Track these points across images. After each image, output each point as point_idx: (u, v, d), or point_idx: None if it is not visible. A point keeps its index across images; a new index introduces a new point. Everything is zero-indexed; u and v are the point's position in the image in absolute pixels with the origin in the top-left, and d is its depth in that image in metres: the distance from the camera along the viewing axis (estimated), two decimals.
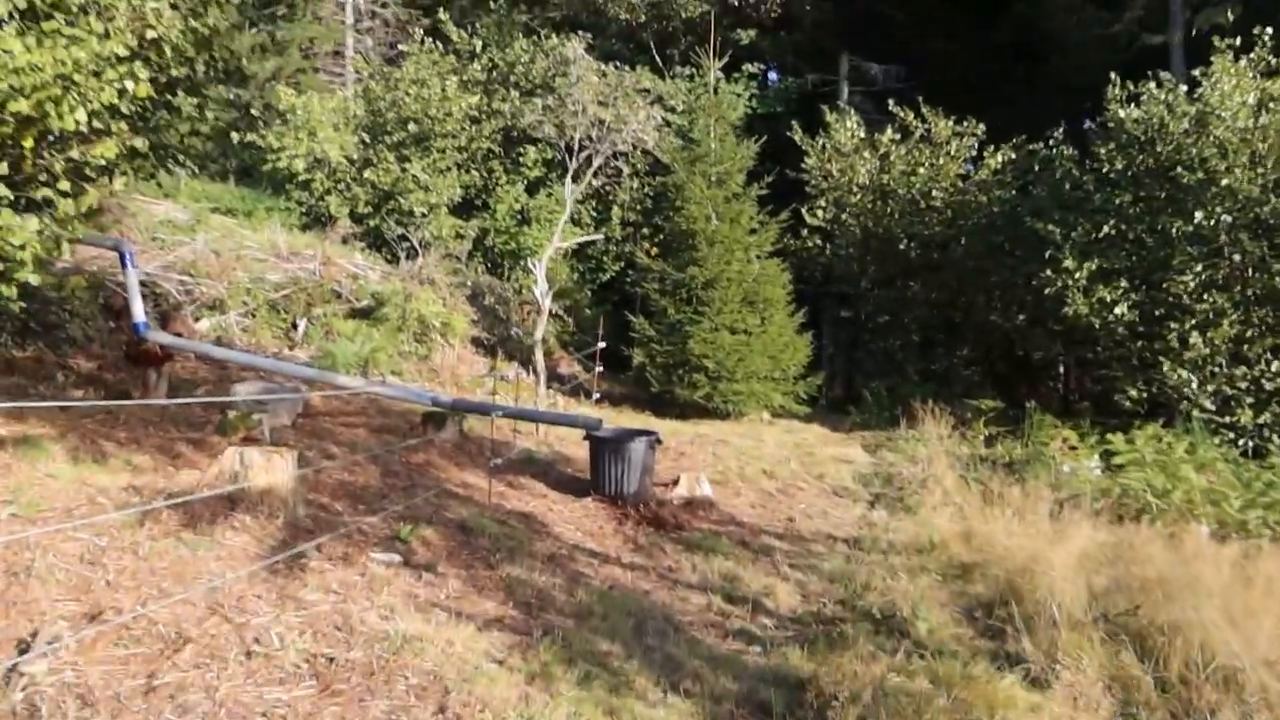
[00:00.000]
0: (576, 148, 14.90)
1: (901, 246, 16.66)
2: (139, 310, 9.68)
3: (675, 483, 8.95)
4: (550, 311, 18.83)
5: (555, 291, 19.51)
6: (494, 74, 21.55)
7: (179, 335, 12.88)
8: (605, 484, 8.28)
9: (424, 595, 5.05)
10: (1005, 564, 6.93)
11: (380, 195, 20.87)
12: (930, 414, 13.24)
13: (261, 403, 8.90)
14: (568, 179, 11.80)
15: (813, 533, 8.37)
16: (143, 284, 13.77)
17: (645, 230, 20.67)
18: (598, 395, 12.11)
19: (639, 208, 20.79)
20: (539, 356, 10.67)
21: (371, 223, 20.21)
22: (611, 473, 8.22)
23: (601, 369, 13.52)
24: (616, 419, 13.36)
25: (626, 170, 19.20)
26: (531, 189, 21.13)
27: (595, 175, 16.54)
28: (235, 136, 18.39)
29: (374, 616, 4.50)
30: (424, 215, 20.32)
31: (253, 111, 21.75)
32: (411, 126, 20.49)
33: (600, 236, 18.97)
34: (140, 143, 7.67)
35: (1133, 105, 12.59)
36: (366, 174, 20.56)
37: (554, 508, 7.94)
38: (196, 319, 13.74)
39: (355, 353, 13.49)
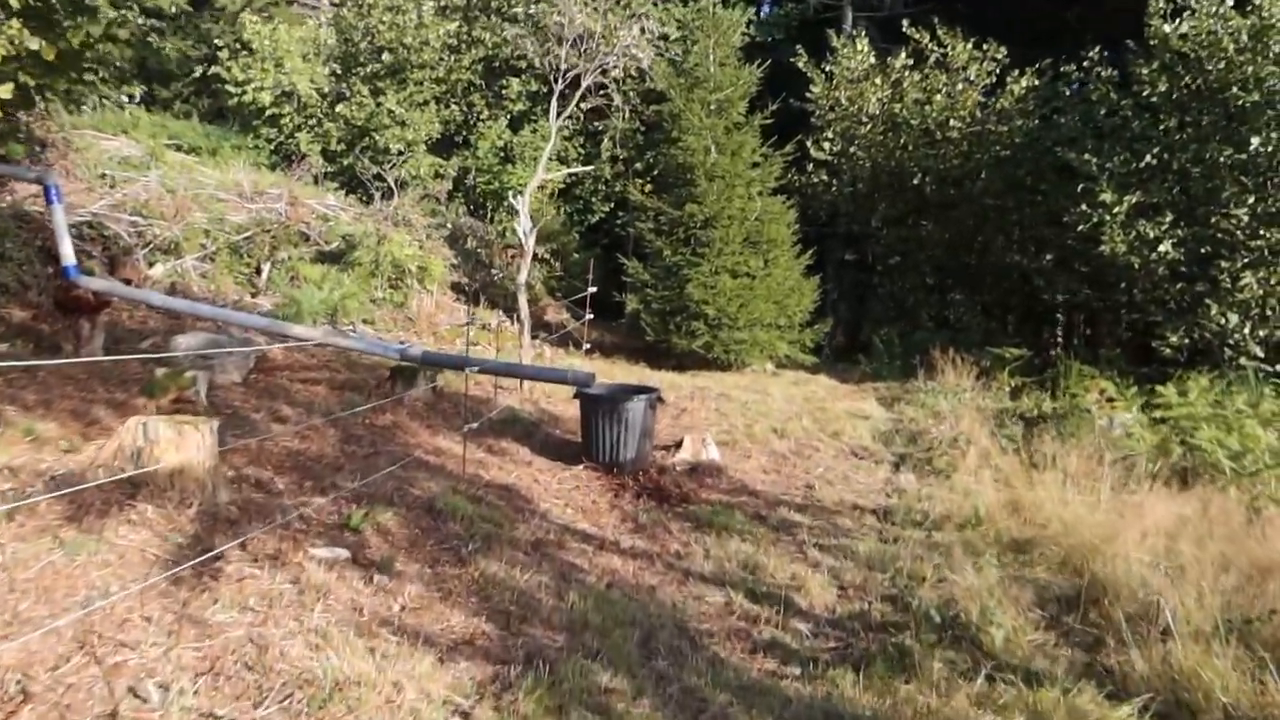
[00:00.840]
0: (562, 67, 13.57)
1: (915, 182, 15.42)
2: (68, 252, 8.48)
3: (678, 446, 7.88)
4: (536, 255, 17.76)
5: (541, 234, 18.36)
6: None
7: (128, 282, 11.69)
8: (599, 449, 7.20)
9: (372, 608, 3.97)
10: (1067, 542, 5.91)
11: (354, 132, 19.48)
12: (950, 363, 12.19)
13: (206, 357, 7.78)
14: (552, 105, 10.56)
15: (836, 502, 7.33)
16: (90, 226, 12.56)
17: (638, 166, 19.38)
18: (588, 345, 10.99)
19: (631, 143, 19.47)
20: (523, 303, 9.54)
21: (345, 161, 18.89)
22: (606, 436, 7.14)
23: (591, 317, 12.40)
24: (609, 372, 12.26)
25: (618, 99, 17.84)
26: (515, 124, 19.78)
27: (583, 101, 15.19)
28: (159, 43, 16.93)
29: (300, 646, 3.42)
30: (401, 153, 19.00)
31: (217, 41, 20.22)
32: (386, 56, 19.07)
33: (589, 170, 17.68)
34: (38, 44, 6.43)
35: (1178, 20, 11.32)
36: (339, 109, 19.16)
37: (540, 478, 6.86)
38: (150, 264, 12.53)
39: (323, 300, 12.33)
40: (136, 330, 9.49)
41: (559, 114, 10.16)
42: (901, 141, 15.78)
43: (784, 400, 11.21)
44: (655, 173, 16.60)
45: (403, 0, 18.97)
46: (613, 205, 19.98)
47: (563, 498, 6.50)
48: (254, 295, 12.74)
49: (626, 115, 18.66)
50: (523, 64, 19.36)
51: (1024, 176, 14.31)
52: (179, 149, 17.81)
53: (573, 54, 13.86)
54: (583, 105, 15.78)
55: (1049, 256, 13.62)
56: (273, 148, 19.26)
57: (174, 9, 19.94)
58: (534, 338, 14.21)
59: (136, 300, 8.43)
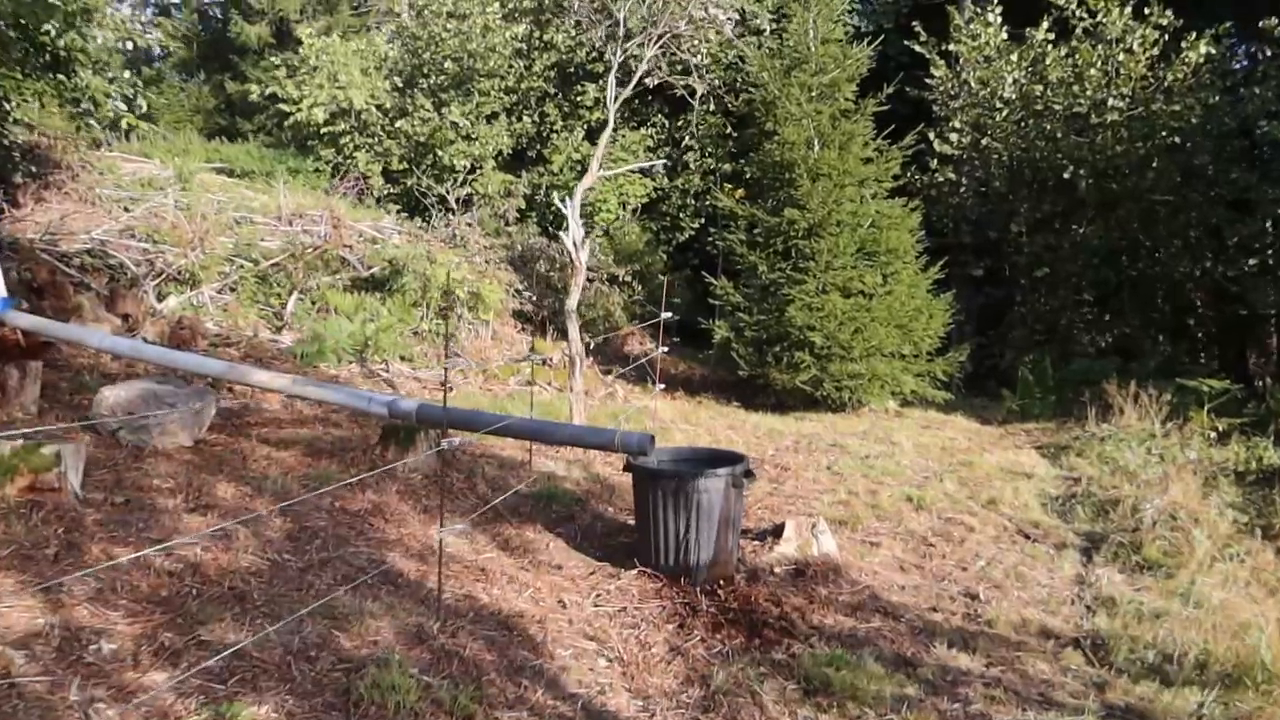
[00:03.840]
0: (621, 32, 11.38)
1: (1066, 176, 12.67)
2: None
3: (776, 535, 5.52)
4: (615, 278, 15.63)
5: (622, 255, 16.25)
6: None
7: (125, 318, 10.00)
8: (659, 548, 4.91)
9: None
10: None
11: (416, 149, 17.80)
12: (1127, 400, 9.48)
13: (141, 415, 5.82)
14: (609, 84, 8.37)
15: (1016, 625, 4.85)
16: (92, 254, 10.97)
17: (726, 168, 17.08)
18: (661, 386, 8.75)
19: (719, 146, 17.19)
20: (574, 333, 7.36)
21: (408, 181, 17.18)
22: (669, 529, 4.85)
23: (666, 350, 10.17)
24: (692, 415, 9.96)
25: (700, 89, 15.61)
26: (593, 135, 17.76)
27: (648, 78, 12.95)
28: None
29: None
30: (467, 170, 17.20)
31: (274, 59, 18.89)
32: (449, 65, 17.33)
33: (659, 164, 15.46)
34: None
35: None
36: (400, 124, 17.51)
37: (567, 598, 4.60)
38: (161, 297, 10.83)
39: (351, 334, 10.41)
40: (96, 377, 7.65)
41: (616, 98, 7.99)
42: (1046, 129, 13.07)
43: (915, 452, 8.71)
44: (747, 176, 14.28)
45: (468, 5, 17.20)
46: (703, 221, 17.75)
47: (596, 636, 4.22)
48: (277, 330, 10.92)
49: (711, 107, 16.42)
50: (599, 68, 17.39)
51: (1205, 165, 11.50)
52: (230, 174, 16.41)
53: (633, 16, 11.67)
54: (648, 82, 13.48)
55: (1252, 261, 10.74)
56: (331, 169, 17.73)
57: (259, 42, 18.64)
58: (607, 373, 12.05)
59: (70, 340, 6.54)
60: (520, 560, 5.01)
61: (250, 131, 21.97)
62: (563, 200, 7.56)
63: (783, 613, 4.65)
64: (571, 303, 7.39)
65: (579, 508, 6.01)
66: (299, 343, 10.32)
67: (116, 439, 5.82)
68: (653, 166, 15.81)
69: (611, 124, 8.01)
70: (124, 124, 10.00)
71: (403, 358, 10.76)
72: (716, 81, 15.74)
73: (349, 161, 17.63)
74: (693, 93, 15.59)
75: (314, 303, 11.29)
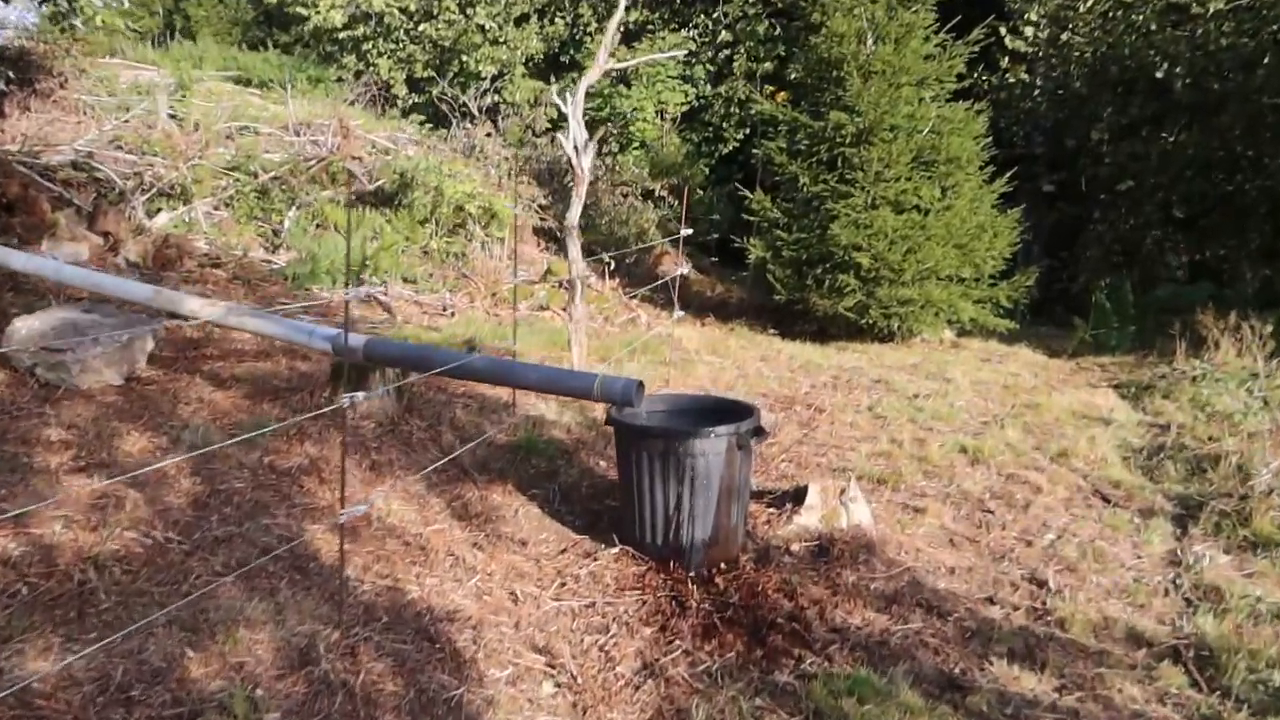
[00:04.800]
0: None
1: (1159, 75, 11.11)
2: None
3: (798, 500, 4.51)
4: (651, 193, 14.49)
5: (658, 167, 15.06)
6: None
7: (107, 235, 9.22)
8: (644, 523, 3.95)
9: None
10: None
11: (441, 54, 16.65)
12: (1224, 333, 8.21)
13: (54, 350, 4.98)
14: None
15: (1095, 627, 3.84)
16: (77, 166, 10.11)
17: (767, 66, 15.66)
18: (680, 314, 7.74)
19: (759, 44, 15.74)
20: (574, 252, 6.33)
21: (433, 90, 16.07)
22: (656, 500, 3.88)
23: (685, 272, 9.10)
24: (721, 345, 8.93)
25: None
26: (631, 39, 16.42)
27: None
28: None
29: None
30: (494, 77, 16.03)
31: None
32: None
33: (679, 54, 14.13)
34: None
35: None
36: (424, 28, 16.34)
37: (520, 589, 3.67)
38: (151, 213, 10.01)
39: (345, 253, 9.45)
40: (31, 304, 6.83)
41: None
42: (1136, 21, 11.46)
43: (973, 391, 7.60)
44: (791, 77, 12.92)
45: None
46: (748, 131, 16.40)
47: (547, 647, 3.29)
48: (273, 249, 10.07)
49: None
50: None
51: None
52: (247, 84, 15.46)
53: None
54: None
55: None
56: (354, 78, 16.68)
57: None
58: (632, 296, 11.03)
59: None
60: (477, 533, 4.09)
61: (288, 44, 20.90)
62: (562, 96, 6.48)
63: (797, 608, 3.69)
64: (572, 216, 6.35)
65: (565, 462, 5.06)
66: (292, 263, 9.45)
67: (34, 377, 4.99)
68: (674, 58, 14.44)
69: (621, 10, 6.80)
70: (98, 20, 9.03)
71: (405, 279, 9.84)
72: None
73: (371, 70, 16.57)
74: None
75: (313, 219, 10.39)
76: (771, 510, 4.53)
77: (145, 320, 5.49)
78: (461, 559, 3.79)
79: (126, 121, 11.03)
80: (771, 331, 10.03)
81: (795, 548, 4.20)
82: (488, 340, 7.75)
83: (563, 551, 4.03)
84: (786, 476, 5.22)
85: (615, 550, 4.00)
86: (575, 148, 6.29)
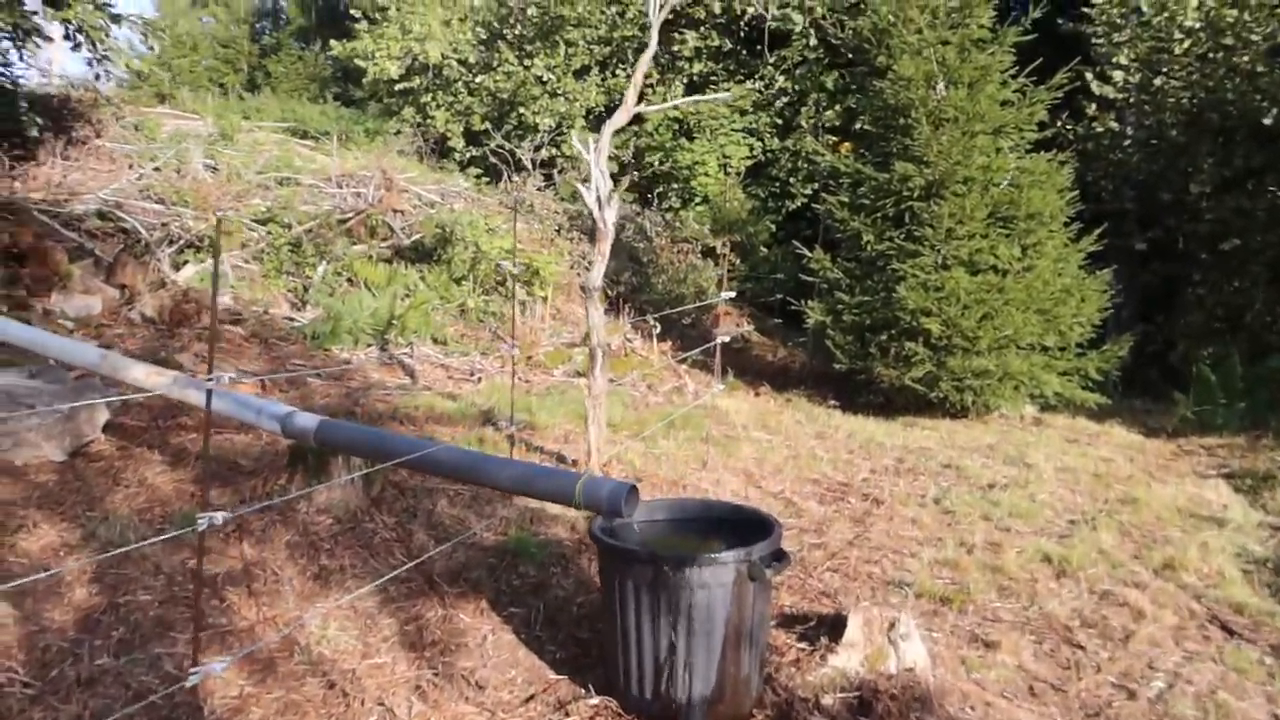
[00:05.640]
0: None
1: (1267, 122, 9.98)
2: None
3: (835, 631, 3.61)
4: (710, 250, 13.77)
5: (720, 223, 14.36)
6: None
7: (123, 288, 8.84)
8: (629, 670, 3.09)
9: None
10: None
11: (499, 106, 16.30)
12: None
13: None
14: None
15: None
16: (103, 216, 9.79)
17: (829, 114, 14.87)
18: (720, 387, 6.92)
19: (821, 91, 14.97)
20: (595, 317, 5.57)
21: (491, 143, 15.67)
22: (644, 643, 3.02)
23: (729, 338, 8.27)
24: (773, 418, 8.05)
25: (800, 19, 13.50)
26: (694, 90, 15.84)
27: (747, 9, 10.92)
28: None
29: None
30: (553, 130, 15.58)
31: (353, 11, 17.68)
32: (532, 11, 15.68)
33: (725, 97, 13.45)
34: None
35: None
36: (481, 79, 16.02)
37: None
38: (177, 265, 9.61)
39: (374, 311, 8.90)
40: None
41: (662, 4, 6.09)
42: (1240, 63, 10.38)
43: (1058, 480, 6.58)
44: (856, 127, 12.13)
45: None
46: (816, 186, 15.60)
47: None
48: (299, 307, 9.56)
49: (812, 42, 14.26)
50: (699, 12, 15.46)
51: None
52: (303, 135, 15.27)
53: None
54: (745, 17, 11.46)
55: None
56: (414, 130, 16.41)
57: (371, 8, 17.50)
58: (681, 360, 10.23)
59: None
60: (426, 669, 3.28)
61: (361, 99, 20.90)
62: (584, 142, 5.77)
63: None
64: (593, 277, 5.61)
65: (560, 570, 4.23)
66: (314, 321, 8.90)
67: None
68: (719, 100, 13.79)
69: (654, 45, 6.11)
70: (124, 65, 8.74)
71: (435, 339, 9.21)
72: (819, 10, 13.56)
73: (429, 121, 16.29)
74: (789, 31, 13.50)
75: (343, 273, 9.87)
76: (802, 646, 3.64)
77: (98, 388, 4.89)
78: (392, 710, 2.98)
79: (157, 170, 10.74)
80: (831, 403, 9.12)
81: (827, 701, 3.29)
82: (507, 410, 7.02)
83: (529, 700, 3.19)
84: (828, 594, 4.31)
85: (595, 702, 3.15)
86: (598, 199, 5.57)
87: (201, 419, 5.62)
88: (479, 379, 8.44)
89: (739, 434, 7.28)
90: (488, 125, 16.02)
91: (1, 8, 7.63)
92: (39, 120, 9.67)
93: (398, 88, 16.16)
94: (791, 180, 15.73)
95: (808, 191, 15.51)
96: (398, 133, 16.24)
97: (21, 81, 9.89)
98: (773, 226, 15.08)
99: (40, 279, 8.26)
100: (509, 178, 13.76)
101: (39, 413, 4.36)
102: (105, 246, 9.29)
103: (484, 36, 16.56)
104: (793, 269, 14.14)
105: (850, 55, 13.96)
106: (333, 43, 18.08)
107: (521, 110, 15.71)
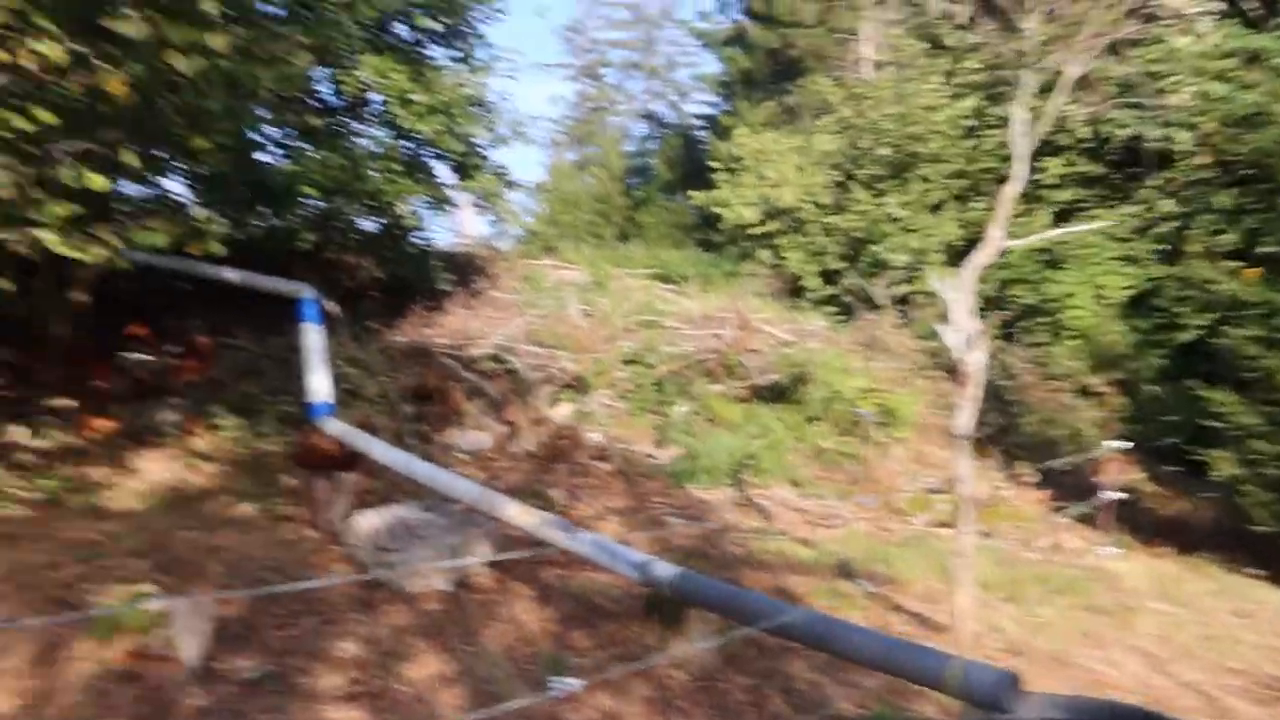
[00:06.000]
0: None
1: None
2: (317, 385, 6.32)
3: None
4: (1087, 389, 12.61)
5: (1099, 359, 13.17)
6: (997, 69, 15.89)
7: (510, 424, 9.68)
8: None
9: None
10: None
11: (852, 245, 16.32)
12: None
13: (385, 549, 4.86)
14: (1023, 81, 5.72)
15: None
16: (494, 359, 10.89)
17: (1230, 236, 13.14)
18: (1110, 550, 6.07)
19: (1214, 212, 13.32)
20: (964, 468, 5.14)
21: (844, 282, 15.70)
22: None
23: (1110, 494, 7.26)
24: (1174, 587, 6.94)
25: (1186, 137, 12.23)
26: (1062, 220, 14.91)
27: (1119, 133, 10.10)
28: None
29: None
30: (907, 266, 15.30)
31: (712, 164, 18.78)
32: (886, 152, 15.72)
33: (1096, 226, 12.20)
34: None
35: None
36: (834, 219, 16.20)
37: None
38: (555, 404, 10.41)
39: (730, 451, 8.99)
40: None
41: (1023, 119, 5.72)
42: None
43: None
44: (1260, 249, 10.63)
45: (911, 85, 15.57)
46: (1217, 317, 13.85)
47: None
48: (660, 444, 9.88)
49: (1202, 160, 12.80)
50: (1066, 139, 14.65)
51: None
52: (666, 279, 16.24)
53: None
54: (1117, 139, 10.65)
55: None
56: (769, 271, 16.87)
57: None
58: (1060, 511, 9.22)
59: (362, 450, 5.85)
60: None
61: (720, 243, 22.08)
62: (942, 280, 5.46)
63: None
64: (961, 423, 5.20)
65: None
66: (674, 459, 9.14)
67: (368, 574, 4.88)
68: (1094, 230, 12.65)
69: (1021, 178, 5.75)
70: (517, 224, 9.81)
71: (791, 481, 9.07)
72: (1209, 125, 12.22)
73: (783, 262, 16.66)
74: (1170, 150, 12.30)
75: (702, 413, 10.11)
76: None
77: (479, 521, 5.24)
78: None
79: (541, 316, 11.80)
80: (1251, 571, 7.71)
81: None
82: (865, 561, 6.64)
83: None
84: None
85: None
86: (962, 341, 5.22)
87: (567, 554, 5.86)
88: (835, 525, 8.14)
89: (1134, 603, 6.32)
90: (841, 264, 16.06)
91: (419, 183, 8.88)
92: (447, 275, 11.05)
93: (754, 231, 16.73)
94: (1180, 310, 14.06)
95: (1202, 323, 13.76)
96: (754, 274, 16.74)
97: (435, 243, 11.43)
98: (1160, 362, 13.50)
99: (443, 416, 9.29)
100: (863, 315, 13.57)
101: (431, 545, 4.73)
102: (496, 386, 10.27)
103: (837, 179, 16.80)
104: (1188, 410, 12.45)
105: (1249, 171, 12.42)
106: (693, 193, 19.23)
107: (875, 247, 15.60)
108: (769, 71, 24.87)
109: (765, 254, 17.21)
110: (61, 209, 4.32)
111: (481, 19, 10.56)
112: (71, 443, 6.80)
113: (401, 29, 10.18)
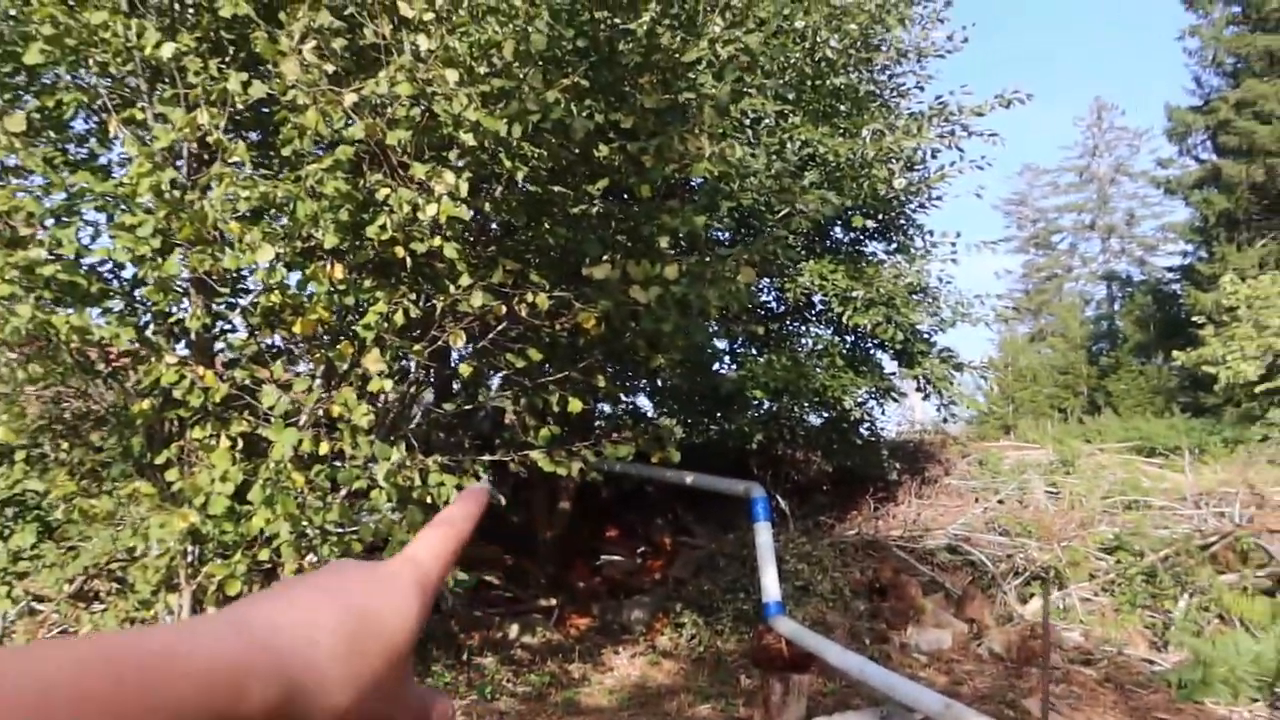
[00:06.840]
0: None
1: None
2: (769, 585, 6.40)
3: None
4: None
5: None
6: None
7: (971, 622, 8.94)
8: None
9: None
10: None
11: None
12: None
13: None
14: None
15: None
16: (952, 550, 10.20)
17: None
18: None
19: None
20: None
21: None
22: None
23: None
24: None
25: None
26: None
27: None
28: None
29: None
30: None
31: (1197, 319, 16.68)
32: None
33: None
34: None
35: None
36: None
37: None
38: (1023, 598, 9.52)
39: (1256, 657, 7.39)
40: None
41: None
42: None
43: None
44: None
45: None
46: None
47: None
48: (1160, 648, 8.43)
49: None
50: None
51: None
52: (1150, 453, 14.45)
53: None
54: None
55: None
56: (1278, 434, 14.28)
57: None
58: None
59: (813, 651, 5.65)
60: None
61: (1213, 406, 19.39)
62: None
63: None
64: None
65: None
66: (1179, 666, 7.69)
67: None
68: None
69: None
70: (967, 405, 9.34)
71: None
72: None
73: None
74: None
75: (1210, 609, 8.50)
76: None
77: None
78: None
79: (1001, 502, 10.92)
80: None
81: None
82: None
83: None
84: None
85: None
86: None
87: None
88: None
89: None
90: None
91: (862, 375, 8.86)
92: (897, 465, 10.74)
93: (1258, 389, 14.35)
94: None
95: None
96: (1264, 439, 14.23)
97: (883, 432, 11.23)
98: None
99: (898, 613, 8.80)
100: None
101: None
102: (954, 579, 9.60)
103: None
104: None
105: None
106: (1175, 353, 17.14)
107: None
108: (1256, 209, 21.98)
109: (1277, 414, 14.63)
110: (549, 431, 4.87)
111: (916, 209, 10.62)
112: (556, 639, 7.41)
113: (838, 230, 10.55)
